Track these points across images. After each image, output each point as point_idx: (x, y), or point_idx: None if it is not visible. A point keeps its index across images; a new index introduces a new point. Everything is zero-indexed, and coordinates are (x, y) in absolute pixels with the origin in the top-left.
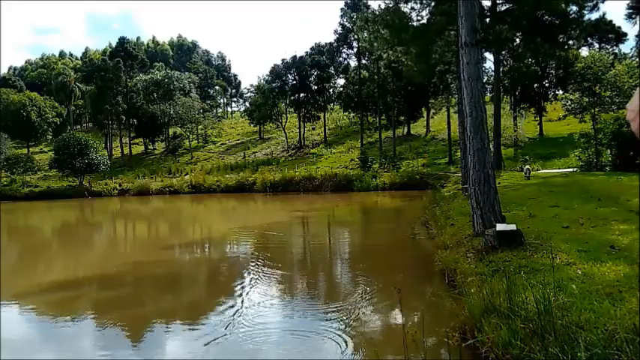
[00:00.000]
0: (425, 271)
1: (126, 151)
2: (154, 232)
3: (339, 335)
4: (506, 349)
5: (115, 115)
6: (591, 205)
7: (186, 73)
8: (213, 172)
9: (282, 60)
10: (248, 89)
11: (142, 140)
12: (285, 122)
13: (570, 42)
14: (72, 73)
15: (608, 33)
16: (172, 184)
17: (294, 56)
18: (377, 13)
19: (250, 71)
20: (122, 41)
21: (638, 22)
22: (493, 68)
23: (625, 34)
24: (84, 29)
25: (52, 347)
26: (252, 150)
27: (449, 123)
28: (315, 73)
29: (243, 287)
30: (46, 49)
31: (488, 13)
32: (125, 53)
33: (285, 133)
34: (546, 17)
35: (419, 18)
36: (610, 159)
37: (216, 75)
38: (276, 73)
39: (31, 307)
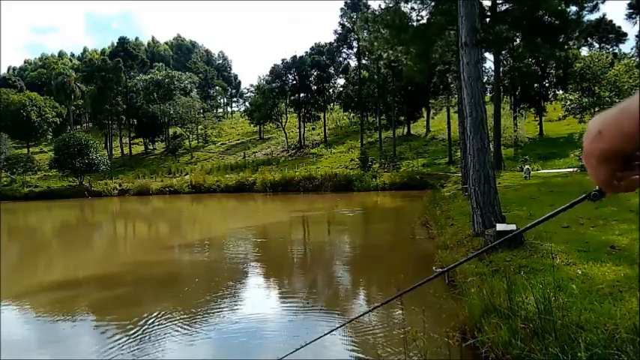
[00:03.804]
0: (425, 271)
1: (126, 151)
2: (154, 233)
3: (340, 334)
4: (507, 349)
5: (115, 115)
6: (591, 205)
7: (186, 73)
8: (213, 172)
9: (282, 60)
10: (248, 89)
11: (142, 140)
12: (285, 122)
13: (570, 42)
14: (72, 73)
15: (608, 33)
16: (172, 184)
17: (294, 56)
18: (377, 13)
19: (250, 71)
20: (122, 41)
21: (638, 22)
22: (493, 68)
23: (625, 34)
24: (83, 28)
25: (52, 347)
26: (252, 150)
27: (449, 123)
28: (315, 73)
29: (242, 288)
30: (44, 48)
31: (489, 13)
32: (125, 53)
33: (285, 133)
34: (546, 17)
35: (419, 18)
36: None
37: (216, 75)
38: (276, 73)
39: (31, 307)
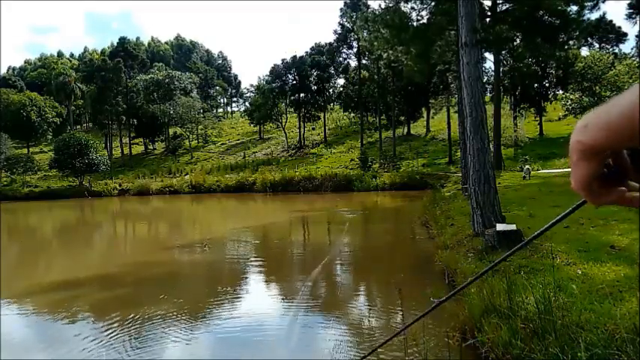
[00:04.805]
0: (425, 271)
1: (126, 151)
2: (154, 233)
3: (340, 334)
4: (507, 349)
5: (115, 115)
6: (591, 205)
7: (187, 73)
8: (213, 172)
9: (282, 60)
10: (248, 89)
11: (142, 140)
12: (285, 122)
13: (570, 42)
14: (72, 73)
15: (608, 33)
16: (172, 184)
17: (294, 56)
18: (377, 12)
19: (250, 71)
20: (122, 41)
21: (638, 22)
22: (493, 68)
23: (625, 34)
24: (83, 28)
25: (52, 347)
26: (252, 150)
27: (449, 123)
28: (315, 73)
29: (242, 289)
30: (44, 48)
31: (489, 13)
32: (125, 53)
33: (285, 133)
34: (546, 17)
35: (419, 18)
36: None
37: (216, 75)
38: (276, 73)
39: (30, 307)
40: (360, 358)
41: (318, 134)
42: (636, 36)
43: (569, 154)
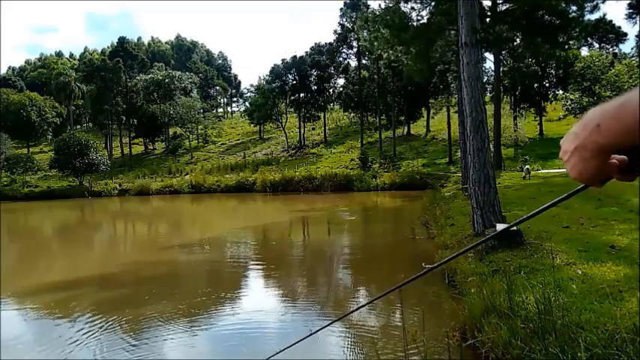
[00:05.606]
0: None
1: (126, 151)
2: (154, 233)
3: (340, 334)
4: (507, 349)
5: (115, 115)
6: (591, 205)
7: (187, 73)
8: (213, 172)
9: (282, 60)
10: (248, 89)
11: (142, 140)
12: (285, 122)
13: (570, 42)
14: (72, 73)
15: (608, 33)
16: (172, 184)
17: (294, 56)
18: (377, 12)
19: (250, 71)
20: (122, 41)
21: (638, 22)
22: (493, 68)
23: (625, 34)
24: (83, 28)
25: (52, 347)
26: (252, 150)
27: (449, 123)
28: (315, 73)
29: (241, 289)
30: (44, 48)
31: (489, 13)
32: (125, 53)
33: (285, 133)
34: (546, 17)
35: (419, 18)
36: None
37: (216, 75)
38: (276, 73)
39: (31, 307)
40: (355, 308)
41: (318, 134)
42: (636, 36)
43: (579, 150)
